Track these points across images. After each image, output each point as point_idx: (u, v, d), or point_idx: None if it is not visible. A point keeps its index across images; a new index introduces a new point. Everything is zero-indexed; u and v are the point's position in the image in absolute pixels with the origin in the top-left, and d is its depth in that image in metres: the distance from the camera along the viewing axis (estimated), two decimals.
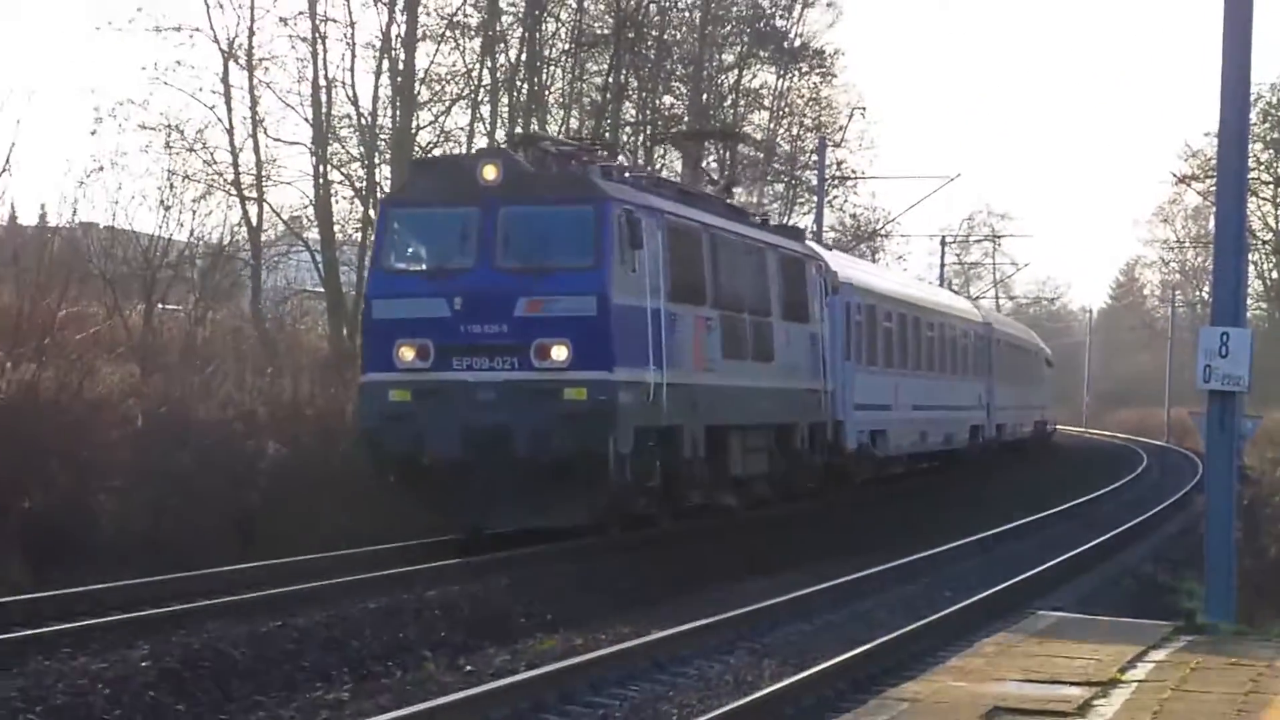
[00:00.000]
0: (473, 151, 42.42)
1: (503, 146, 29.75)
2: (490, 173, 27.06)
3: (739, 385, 31.73)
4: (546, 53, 54.96)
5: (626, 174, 30.46)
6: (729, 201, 38.18)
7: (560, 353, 26.25)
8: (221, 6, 45.12)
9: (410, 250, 28.22)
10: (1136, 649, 18.93)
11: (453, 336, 26.68)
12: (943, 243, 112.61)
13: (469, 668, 19.42)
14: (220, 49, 45.10)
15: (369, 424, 27.42)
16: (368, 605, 21.79)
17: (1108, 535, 36.03)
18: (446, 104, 50.95)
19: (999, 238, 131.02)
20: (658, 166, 60.25)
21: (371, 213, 44.01)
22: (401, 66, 48.52)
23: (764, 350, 33.69)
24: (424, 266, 27.87)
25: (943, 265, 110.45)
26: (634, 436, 26.86)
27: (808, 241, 41.71)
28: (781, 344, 34.77)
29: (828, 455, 37.91)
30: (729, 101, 68.40)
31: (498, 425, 26.11)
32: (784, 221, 67.36)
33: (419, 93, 48.88)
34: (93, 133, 41.81)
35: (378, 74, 47.59)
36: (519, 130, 47.86)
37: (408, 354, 26.86)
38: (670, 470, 29.09)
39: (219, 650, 18.60)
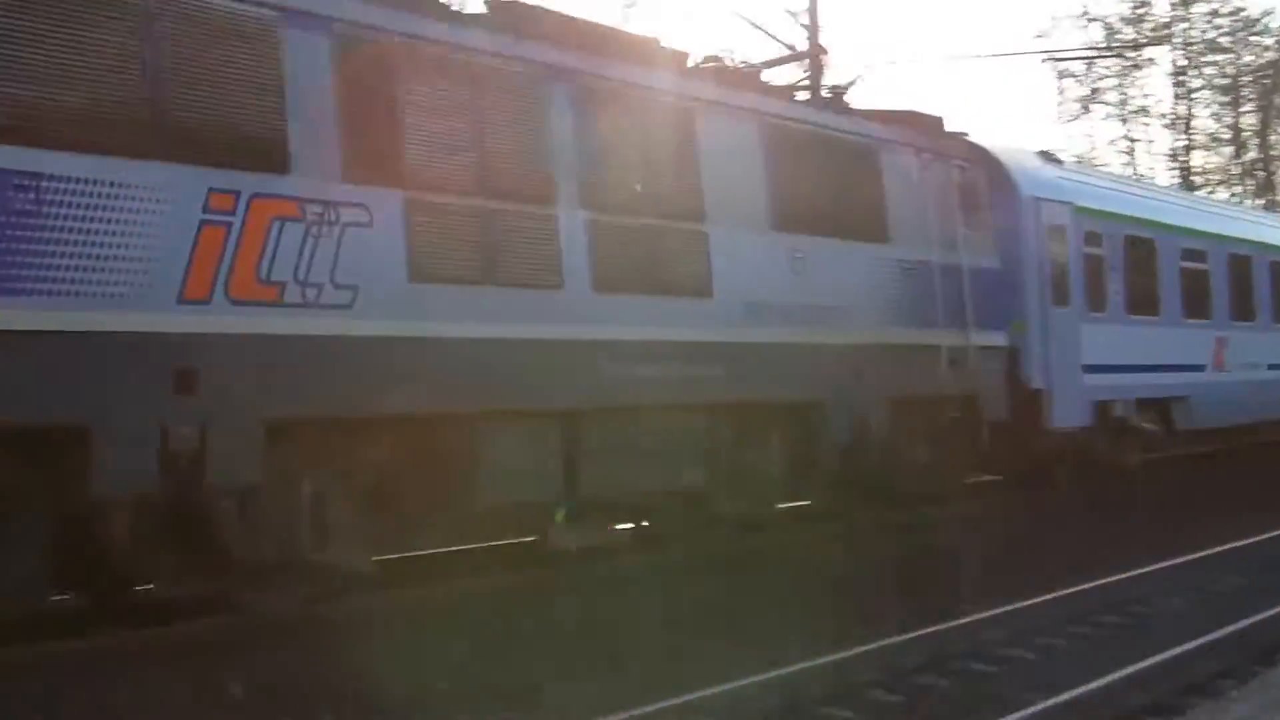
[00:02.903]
0: None
1: None
2: None
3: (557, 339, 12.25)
4: (1274, 151, 56.88)
5: None
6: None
7: None
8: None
9: None
10: None
11: None
12: None
13: None
14: None
15: None
16: None
17: None
18: (1212, 187, 53.72)
19: None
20: None
21: None
22: (1179, 164, 51.79)
23: (671, 278, 13.47)
24: None
25: None
26: None
27: (962, 136, 19.16)
28: (752, 267, 14.43)
29: (985, 438, 18.09)
30: None
31: None
32: None
33: (1194, 181, 51.32)
34: None
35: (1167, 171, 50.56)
36: None
37: None
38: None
39: None
